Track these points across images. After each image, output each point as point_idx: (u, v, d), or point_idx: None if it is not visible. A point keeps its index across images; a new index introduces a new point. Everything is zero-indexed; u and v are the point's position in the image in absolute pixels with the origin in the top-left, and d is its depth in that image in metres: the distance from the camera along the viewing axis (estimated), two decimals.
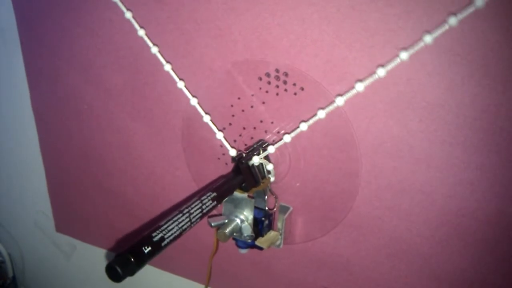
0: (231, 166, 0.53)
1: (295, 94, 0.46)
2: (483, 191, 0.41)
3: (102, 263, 0.79)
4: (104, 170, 0.68)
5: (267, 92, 0.47)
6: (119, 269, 0.31)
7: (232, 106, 0.50)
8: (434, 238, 0.45)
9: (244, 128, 0.50)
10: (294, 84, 0.46)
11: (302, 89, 0.45)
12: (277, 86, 0.47)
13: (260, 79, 0.47)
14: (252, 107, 0.49)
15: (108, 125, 0.63)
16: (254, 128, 0.50)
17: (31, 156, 0.76)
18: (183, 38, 0.51)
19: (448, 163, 0.41)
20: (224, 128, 0.51)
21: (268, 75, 0.47)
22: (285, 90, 0.46)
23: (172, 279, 0.70)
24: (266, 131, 0.49)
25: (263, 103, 0.48)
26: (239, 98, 0.50)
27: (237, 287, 0.63)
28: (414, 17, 0.38)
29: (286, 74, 0.46)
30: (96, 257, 0.79)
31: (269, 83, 0.47)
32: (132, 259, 0.32)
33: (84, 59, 0.61)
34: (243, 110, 0.50)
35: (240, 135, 0.51)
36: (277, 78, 0.46)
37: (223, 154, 0.53)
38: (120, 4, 0.52)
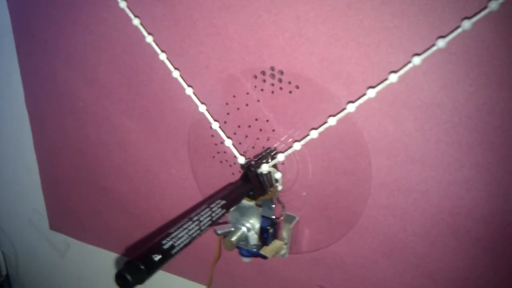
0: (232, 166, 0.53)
1: (290, 92, 0.46)
2: (478, 190, 0.41)
3: (96, 261, 0.78)
4: (99, 168, 0.67)
5: (262, 90, 0.47)
6: (129, 277, 0.30)
7: (227, 104, 0.50)
8: (429, 237, 0.45)
9: (239, 126, 0.50)
10: (289, 82, 0.46)
11: (297, 87, 0.45)
12: (272, 84, 0.47)
13: (255, 77, 0.47)
14: (247, 105, 0.49)
15: (103, 122, 0.63)
16: (249, 126, 0.50)
17: (25, 154, 0.76)
18: (178, 36, 0.50)
19: (443, 162, 0.41)
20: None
21: (263, 73, 0.47)
22: (280, 88, 0.46)
23: (171, 280, 0.69)
24: (261, 130, 0.49)
25: (258, 101, 0.48)
26: (234, 96, 0.49)
27: (231, 285, 0.63)
28: (409, 15, 0.38)
29: (281, 73, 0.46)
30: (90, 255, 0.79)
31: (264, 81, 0.47)
32: (142, 267, 0.31)
33: (79, 57, 0.60)
34: (238, 108, 0.50)
35: (235, 133, 0.51)
36: (272, 76, 0.46)
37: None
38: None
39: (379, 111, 0.42)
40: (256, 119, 0.49)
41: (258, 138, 0.50)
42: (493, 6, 0.34)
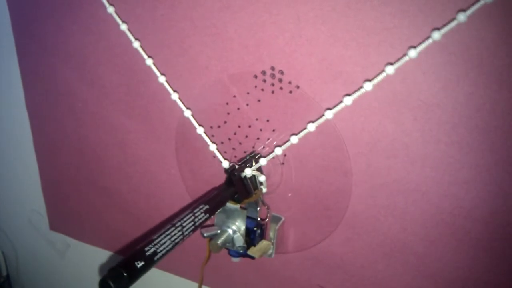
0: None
1: (290, 92, 0.46)
2: (478, 190, 0.41)
3: (96, 261, 0.78)
4: (98, 168, 0.67)
5: (262, 90, 0.47)
6: (112, 284, 0.31)
7: (227, 104, 0.50)
8: (429, 237, 0.45)
9: (239, 126, 0.50)
10: (290, 82, 0.46)
11: (298, 87, 0.45)
12: (273, 84, 0.47)
13: (256, 77, 0.47)
14: (247, 105, 0.49)
15: (103, 123, 0.63)
16: (249, 126, 0.50)
17: (25, 154, 0.76)
18: (178, 36, 0.50)
19: (443, 163, 0.41)
20: (219, 126, 0.51)
21: (263, 73, 0.47)
22: (281, 88, 0.46)
23: (167, 278, 0.69)
24: (261, 130, 0.49)
25: (259, 101, 0.48)
26: (234, 96, 0.49)
27: (231, 285, 0.63)
28: (409, 16, 0.38)
29: (281, 72, 0.46)
30: (90, 255, 0.79)
31: (264, 81, 0.47)
32: (125, 274, 0.32)
33: (79, 57, 0.60)
34: (238, 108, 0.50)
35: (235, 133, 0.51)
36: (273, 76, 0.46)
37: (213, 157, 0.53)
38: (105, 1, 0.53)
39: (379, 111, 0.42)
40: (257, 119, 0.49)
41: (258, 138, 0.50)
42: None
